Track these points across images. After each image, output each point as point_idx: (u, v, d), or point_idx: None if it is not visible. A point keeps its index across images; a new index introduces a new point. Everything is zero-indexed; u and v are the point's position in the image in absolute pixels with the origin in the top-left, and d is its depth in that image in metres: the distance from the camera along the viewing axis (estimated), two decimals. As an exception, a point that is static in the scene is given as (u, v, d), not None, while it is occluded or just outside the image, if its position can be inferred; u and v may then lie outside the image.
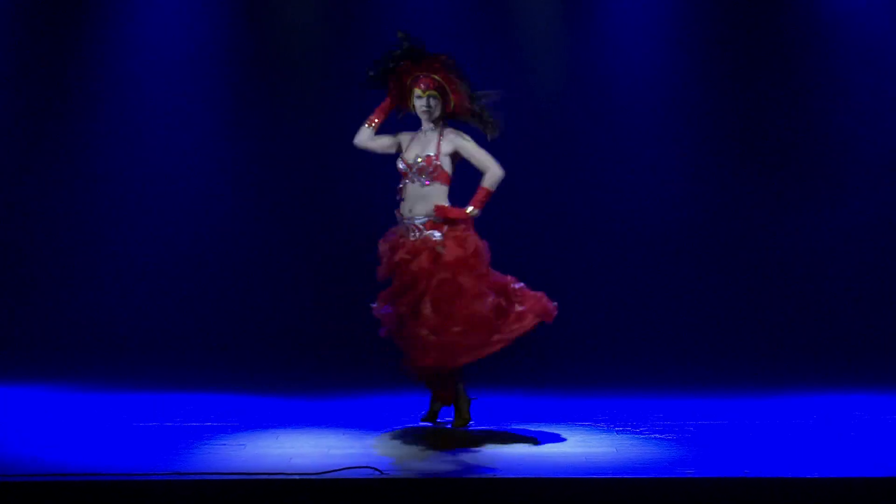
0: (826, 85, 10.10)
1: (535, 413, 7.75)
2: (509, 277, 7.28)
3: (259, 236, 10.13)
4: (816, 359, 9.54)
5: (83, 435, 7.01)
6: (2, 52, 10.04)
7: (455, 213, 7.22)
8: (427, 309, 7.05)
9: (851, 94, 10.06)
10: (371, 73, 7.32)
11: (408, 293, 7.14)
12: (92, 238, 10.11)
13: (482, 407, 7.50)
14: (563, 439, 6.97)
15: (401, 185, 7.30)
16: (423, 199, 7.23)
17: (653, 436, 7.00)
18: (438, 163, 7.23)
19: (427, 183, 7.23)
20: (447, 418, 7.37)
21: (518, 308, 7.19)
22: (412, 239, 7.19)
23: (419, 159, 7.24)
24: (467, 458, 6.53)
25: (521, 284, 7.27)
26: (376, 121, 7.35)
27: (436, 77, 7.26)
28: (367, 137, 7.37)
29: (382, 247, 7.30)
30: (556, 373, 9.00)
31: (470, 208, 7.25)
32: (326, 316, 9.96)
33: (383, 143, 7.38)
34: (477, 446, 6.79)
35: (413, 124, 7.38)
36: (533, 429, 7.27)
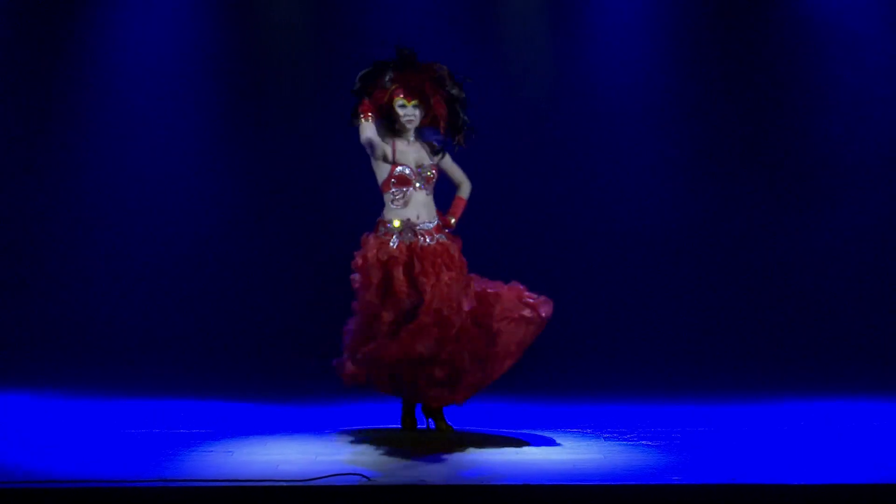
0: (820, 87, 10.09)
1: (523, 419, 7.76)
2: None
3: (247, 242, 10.10)
4: (803, 365, 9.55)
5: (70, 441, 6.99)
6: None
7: (447, 222, 7.30)
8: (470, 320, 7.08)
9: (846, 96, 10.05)
10: (359, 84, 7.30)
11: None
12: (77, 244, 10.07)
13: (471, 413, 7.51)
14: (551, 446, 6.97)
15: (400, 193, 7.25)
16: (427, 207, 7.27)
17: (640, 442, 7.01)
18: (436, 172, 7.32)
19: (428, 191, 7.27)
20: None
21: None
22: (426, 244, 7.18)
23: (426, 168, 7.27)
24: (455, 464, 6.53)
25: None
26: (371, 114, 7.28)
27: (422, 87, 7.28)
28: (375, 132, 7.26)
29: (375, 260, 7.24)
30: (544, 380, 9.00)
31: (453, 220, 7.35)
32: (314, 323, 9.95)
33: (381, 144, 7.29)
34: (465, 453, 6.79)
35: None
36: (521, 435, 7.27)
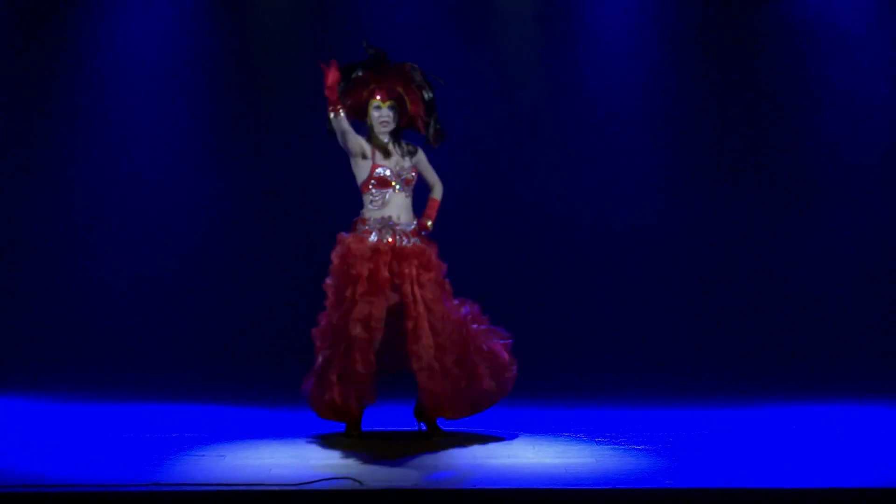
0: (817, 88, 10.06)
1: (515, 423, 7.75)
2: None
3: (238, 246, 10.08)
4: (796, 369, 9.54)
5: (62, 445, 6.98)
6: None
7: (423, 225, 7.37)
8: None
9: (842, 96, 10.04)
10: (341, 86, 7.29)
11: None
12: (66, 252, 10.03)
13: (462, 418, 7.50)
14: (543, 449, 6.97)
15: (380, 194, 7.27)
16: (406, 209, 7.32)
17: (632, 446, 7.00)
18: (415, 174, 7.34)
19: (407, 193, 7.28)
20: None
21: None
22: (404, 245, 7.19)
23: (407, 171, 7.29)
24: (447, 468, 6.53)
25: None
26: (341, 108, 7.20)
27: (396, 88, 7.29)
28: (348, 124, 7.24)
29: (357, 255, 7.24)
30: (536, 383, 8.98)
31: (429, 222, 7.38)
32: (307, 327, 9.92)
33: (355, 138, 7.29)
34: (457, 457, 6.79)
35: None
36: (512, 439, 7.27)
